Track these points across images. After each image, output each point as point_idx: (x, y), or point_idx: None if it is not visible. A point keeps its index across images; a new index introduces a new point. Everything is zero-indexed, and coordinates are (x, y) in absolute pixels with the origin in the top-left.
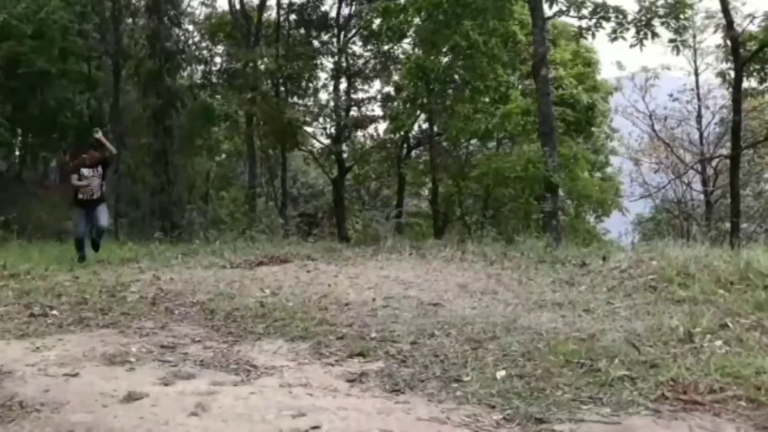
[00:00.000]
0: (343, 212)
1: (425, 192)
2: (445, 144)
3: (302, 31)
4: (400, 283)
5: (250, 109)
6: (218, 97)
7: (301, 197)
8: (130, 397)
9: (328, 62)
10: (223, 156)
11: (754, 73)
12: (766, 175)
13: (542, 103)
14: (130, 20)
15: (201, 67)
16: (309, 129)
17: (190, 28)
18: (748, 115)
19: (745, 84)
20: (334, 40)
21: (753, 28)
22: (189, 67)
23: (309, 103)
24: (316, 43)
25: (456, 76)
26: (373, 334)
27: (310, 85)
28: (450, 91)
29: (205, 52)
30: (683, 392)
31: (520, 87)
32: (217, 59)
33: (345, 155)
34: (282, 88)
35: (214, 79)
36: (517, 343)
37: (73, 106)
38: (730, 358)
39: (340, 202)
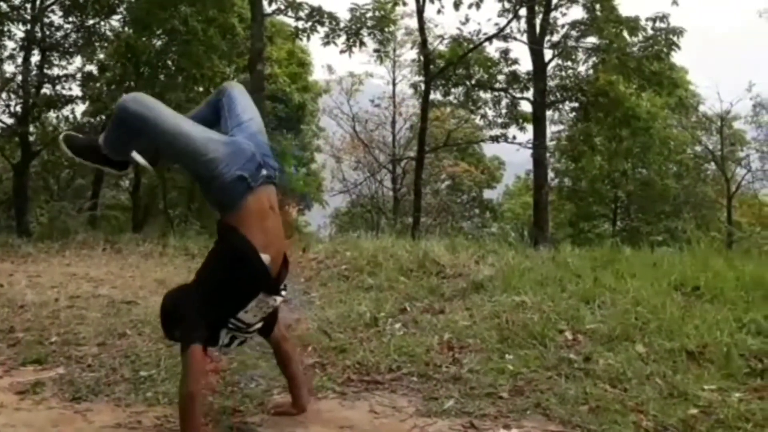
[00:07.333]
0: (25, 203)
1: (126, 183)
2: None
3: None
4: (89, 281)
5: None
6: None
7: None
8: None
9: (19, 30)
10: None
11: (440, 87)
12: (442, 176)
13: (256, 98)
14: None
15: None
16: None
17: None
18: (432, 123)
19: (432, 96)
20: (28, 5)
21: (442, 47)
22: None
23: None
24: (4, 6)
25: (169, 62)
26: (54, 338)
27: None
28: (162, 77)
29: None
30: (367, 374)
31: (235, 80)
32: None
33: (32, 138)
34: None
35: None
36: None
37: None
38: (407, 338)
39: (23, 191)
